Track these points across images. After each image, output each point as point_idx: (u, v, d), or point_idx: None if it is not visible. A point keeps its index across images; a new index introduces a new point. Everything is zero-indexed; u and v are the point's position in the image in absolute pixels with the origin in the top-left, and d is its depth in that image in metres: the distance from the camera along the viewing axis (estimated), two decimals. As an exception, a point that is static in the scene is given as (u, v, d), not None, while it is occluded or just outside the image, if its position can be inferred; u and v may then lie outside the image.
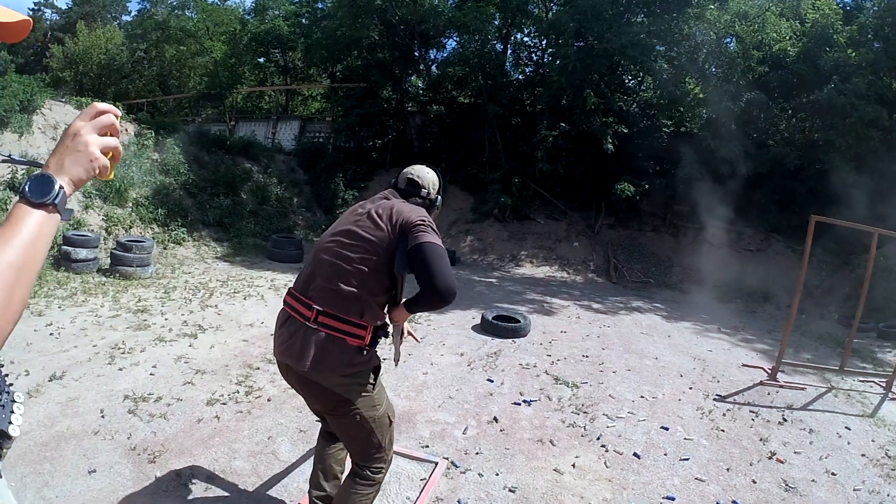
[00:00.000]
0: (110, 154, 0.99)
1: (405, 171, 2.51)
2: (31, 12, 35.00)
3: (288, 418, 3.92)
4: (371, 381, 2.23)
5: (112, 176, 1.00)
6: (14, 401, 1.04)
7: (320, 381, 2.14)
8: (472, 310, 8.03)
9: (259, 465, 3.29)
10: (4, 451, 1.00)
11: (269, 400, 4.22)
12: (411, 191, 2.45)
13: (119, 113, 1.00)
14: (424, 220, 2.15)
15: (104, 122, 0.97)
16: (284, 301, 2.31)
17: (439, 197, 2.54)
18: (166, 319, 6.14)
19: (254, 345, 5.56)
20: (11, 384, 1.08)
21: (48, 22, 37.21)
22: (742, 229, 14.00)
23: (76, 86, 25.49)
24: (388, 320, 2.34)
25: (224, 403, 4.08)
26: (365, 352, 2.16)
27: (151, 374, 4.52)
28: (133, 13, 34.15)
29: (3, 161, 1.15)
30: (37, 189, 0.89)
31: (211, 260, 10.59)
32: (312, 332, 2.11)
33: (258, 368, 4.89)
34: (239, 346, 5.47)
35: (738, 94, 13.70)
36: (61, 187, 0.91)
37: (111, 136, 0.99)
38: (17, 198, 0.89)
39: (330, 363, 2.09)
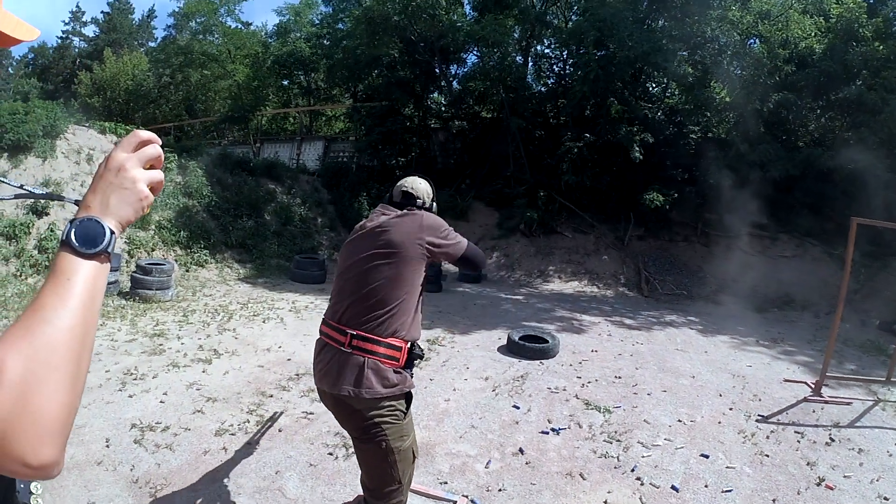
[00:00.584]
0: (151, 187, 0.84)
1: (399, 183, 2.57)
2: (59, 41, 36.11)
3: (298, 451, 3.71)
4: (403, 408, 2.25)
5: (149, 210, 0.83)
6: None
7: (353, 404, 2.16)
8: (497, 329, 7.76)
9: (263, 503, 3.08)
10: None
11: (280, 430, 4.02)
12: (406, 203, 2.49)
13: (160, 142, 0.86)
14: (443, 227, 2.33)
15: (150, 154, 0.83)
16: (320, 331, 2.38)
17: (434, 205, 2.60)
18: (182, 344, 6.02)
19: (269, 371, 5.38)
20: None
21: (76, 49, 38.31)
22: (775, 235, 13.46)
23: (105, 111, 26.06)
24: None
25: (233, 434, 3.90)
26: (399, 372, 2.20)
27: (161, 402, 4.38)
28: (159, 39, 35.01)
29: (19, 196, 0.97)
30: (85, 237, 0.73)
31: (233, 282, 10.52)
32: (347, 356, 2.17)
33: (271, 396, 4.71)
34: (254, 372, 5.30)
35: (766, 95, 13.26)
36: (112, 232, 0.75)
37: (154, 168, 0.85)
38: (60, 245, 0.73)
39: (365, 385, 2.12)
